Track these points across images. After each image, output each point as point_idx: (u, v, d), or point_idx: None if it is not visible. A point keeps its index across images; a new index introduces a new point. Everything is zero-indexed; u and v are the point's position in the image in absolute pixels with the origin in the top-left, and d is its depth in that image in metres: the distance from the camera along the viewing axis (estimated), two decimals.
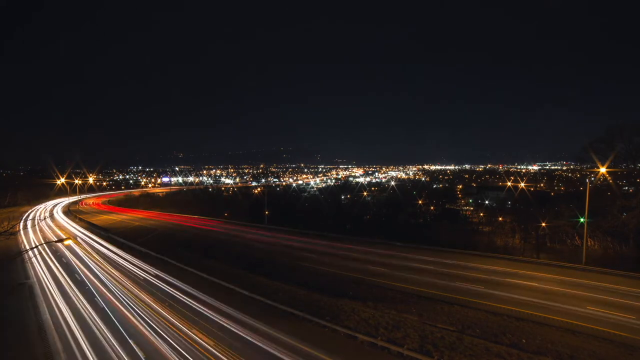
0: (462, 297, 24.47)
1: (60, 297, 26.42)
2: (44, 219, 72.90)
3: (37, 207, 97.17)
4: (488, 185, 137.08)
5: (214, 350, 17.86)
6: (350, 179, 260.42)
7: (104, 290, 27.74)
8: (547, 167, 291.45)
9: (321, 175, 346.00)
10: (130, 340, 19.18)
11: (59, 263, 36.66)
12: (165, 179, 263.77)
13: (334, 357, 16.97)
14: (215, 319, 21.67)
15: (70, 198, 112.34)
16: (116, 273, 32.39)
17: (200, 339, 19.11)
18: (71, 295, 26.97)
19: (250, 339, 18.98)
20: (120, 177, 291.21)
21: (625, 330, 19.04)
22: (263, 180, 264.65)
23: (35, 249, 40.09)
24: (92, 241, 48.50)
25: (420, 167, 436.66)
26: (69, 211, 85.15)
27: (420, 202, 75.71)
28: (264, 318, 21.51)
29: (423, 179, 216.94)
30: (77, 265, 35.87)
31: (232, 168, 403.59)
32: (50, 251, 42.17)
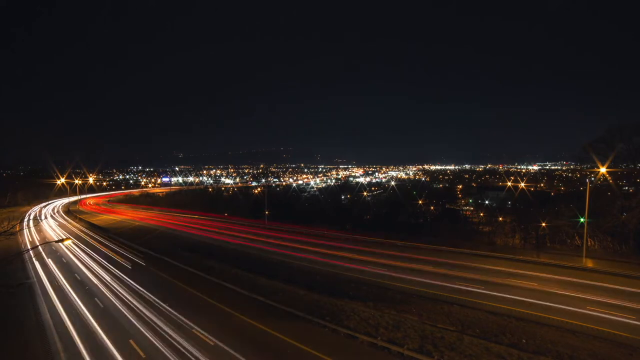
0: (462, 297, 24.46)
1: (60, 297, 26.43)
2: (44, 218, 72.92)
3: (37, 207, 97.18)
4: (488, 185, 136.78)
5: (214, 350, 17.86)
6: (350, 179, 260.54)
7: (104, 290, 27.75)
8: (547, 167, 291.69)
9: (321, 175, 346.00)
10: (130, 340, 19.20)
11: (59, 263, 36.68)
12: (165, 179, 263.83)
13: (334, 357, 16.96)
14: (215, 319, 21.66)
15: (70, 198, 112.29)
16: (116, 273, 32.39)
17: (201, 339, 19.11)
18: (71, 295, 26.99)
19: (250, 340, 18.97)
20: (120, 177, 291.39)
21: (625, 331, 19.04)
22: (263, 180, 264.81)
23: (35, 249, 40.08)
24: (92, 241, 48.51)
25: (420, 167, 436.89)
26: (69, 211, 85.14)
27: (420, 202, 75.59)
28: (264, 318, 21.50)
29: (423, 179, 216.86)
30: (77, 265, 35.89)
31: (232, 168, 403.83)
32: (50, 251, 42.18)
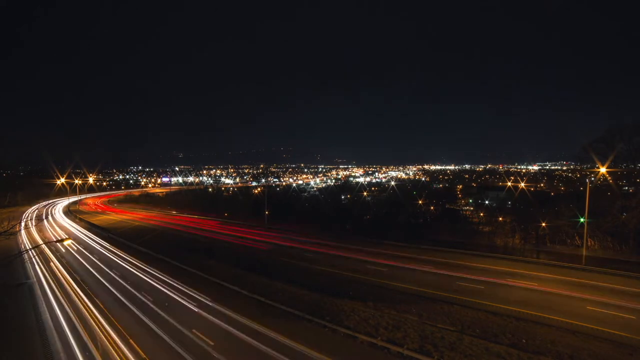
0: (462, 297, 24.46)
1: (61, 297, 26.42)
2: (44, 218, 72.92)
3: (37, 207, 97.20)
4: (488, 185, 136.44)
5: (214, 350, 17.86)
6: (350, 179, 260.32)
7: (104, 291, 27.75)
8: (547, 167, 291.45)
9: (321, 175, 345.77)
10: (130, 340, 19.20)
11: (59, 263, 36.67)
12: (165, 179, 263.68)
13: (333, 357, 16.95)
14: (215, 319, 21.67)
15: (70, 198, 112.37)
16: (116, 273, 32.39)
17: (201, 339, 19.11)
18: (71, 295, 26.98)
19: (250, 339, 18.97)
20: (120, 177, 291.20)
21: (625, 330, 19.04)
22: (263, 180, 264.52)
23: (35, 249, 40.06)
24: (92, 241, 48.51)
25: (420, 167, 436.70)
26: (69, 211, 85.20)
27: (420, 202, 75.56)
28: (264, 318, 21.50)
29: (423, 179, 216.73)
30: (76, 265, 35.88)
31: (232, 168, 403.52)
32: (50, 251, 42.18)
